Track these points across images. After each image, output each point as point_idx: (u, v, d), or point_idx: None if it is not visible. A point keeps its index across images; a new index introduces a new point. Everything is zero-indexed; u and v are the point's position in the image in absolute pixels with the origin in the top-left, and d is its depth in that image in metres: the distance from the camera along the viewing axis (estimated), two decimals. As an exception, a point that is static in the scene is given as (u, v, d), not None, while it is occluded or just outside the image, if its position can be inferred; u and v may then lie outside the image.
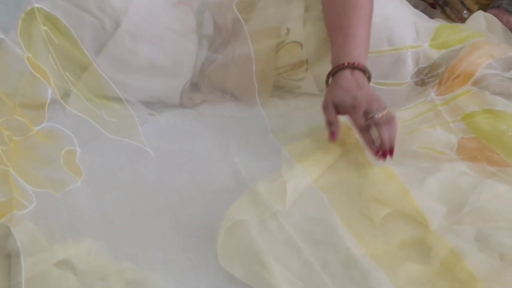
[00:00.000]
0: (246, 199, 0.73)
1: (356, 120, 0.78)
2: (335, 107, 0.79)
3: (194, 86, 0.95)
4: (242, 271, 0.64)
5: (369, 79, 0.82)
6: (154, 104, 0.93)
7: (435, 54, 0.94)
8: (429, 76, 0.93)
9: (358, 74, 0.80)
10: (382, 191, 0.71)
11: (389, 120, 0.76)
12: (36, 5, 0.84)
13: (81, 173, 0.78)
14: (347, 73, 0.80)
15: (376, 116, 0.75)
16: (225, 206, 0.72)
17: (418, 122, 0.85)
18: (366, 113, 0.76)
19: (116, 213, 0.74)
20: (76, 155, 0.80)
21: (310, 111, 0.94)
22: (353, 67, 0.80)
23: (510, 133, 0.79)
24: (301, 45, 0.92)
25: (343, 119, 0.82)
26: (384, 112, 0.76)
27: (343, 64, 0.81)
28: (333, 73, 0.82)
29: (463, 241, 0.64)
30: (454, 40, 0.93)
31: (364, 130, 0.77)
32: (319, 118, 0.92)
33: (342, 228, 0.68)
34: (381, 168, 0.76)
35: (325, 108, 0.81)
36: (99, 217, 0.73)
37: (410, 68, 0.93)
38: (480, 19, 1.03)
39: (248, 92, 0.93)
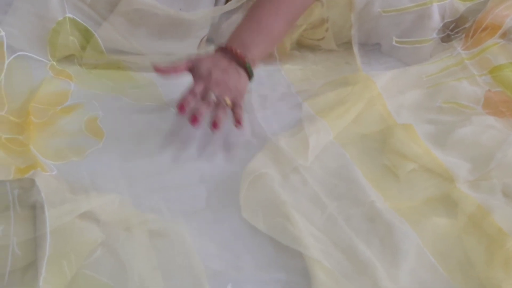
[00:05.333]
0: (267, 152, 0.72)
1: (194, 87, 0.74)
2: (190, 69, 0.76)
3: (211, 40, 0.94)
4: (265, 223, 0.63)
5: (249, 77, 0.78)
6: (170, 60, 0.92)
7: (461, 7, 0.91)
8: (455, 31, 0.90)
9: (237, 67, 0.76)
10: (407, 146, 0.70)
11: (221, 105, 0.73)
12: (68, 15, 0.85)
13: (103, 134, 0.78)
14: (227, 58, 0.76)
15: (212, 96, 0.73)
16: (246, 160, 0.71)
17: (443, 76, 0.83)
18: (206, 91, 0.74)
19: (138, 167, 0.74)
20: (97, 119, 0.80)
21: (330, 64, 0.92)
22: (240, 59, 0.76)
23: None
24: (322, 3, 0.90)
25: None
26: (226, 99, 0.73)
27: (233, 49, 0.76)
28: (221, 48, 0.78)
29: (490, 197, 0.63)
30: (480, -10, 0.90)
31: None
32: (339, 71, 0.91)
33: (365, 183, 0.68)
34: (404, 126, 0.75)
35: (184, 63, 0.76)
36: (121, 173, 0.72)
37: (435, 23, 0.90)
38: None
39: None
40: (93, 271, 0.58)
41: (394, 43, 0.93)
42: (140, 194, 0.69)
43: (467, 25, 0.89)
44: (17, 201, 0.60)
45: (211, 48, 0.92)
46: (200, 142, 0.78)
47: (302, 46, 0.95)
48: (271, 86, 0.89)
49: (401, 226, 0.60)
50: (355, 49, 0.90)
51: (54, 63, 0.86)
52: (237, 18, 0.93)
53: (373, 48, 0.95)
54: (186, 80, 0.89)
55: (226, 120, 0.74)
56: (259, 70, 0.92)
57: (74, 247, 0.58)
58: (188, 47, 0.90)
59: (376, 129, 0.76)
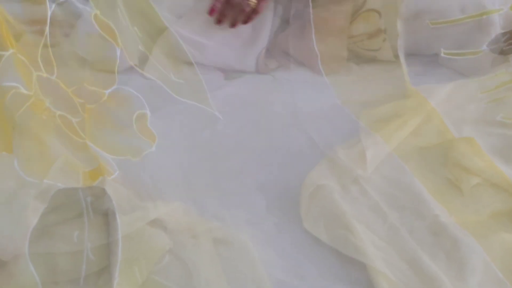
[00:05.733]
0: (326, 164, 0.73)
1: None
2: None
3: (268, 52, 0.95)
4: (328, 235, 0.64)
5: None
6: (229, 70, 0.94)
7: (517, 17, 0.90)
8: (508, 43, 0.89)
9: None
10: (470, 160, 0.69)
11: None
12: None
13: (154, 138, 0.78)
14: None
15: None
16: (301, 170, 0.73)
17: (501, 91, 0.82)
18: None
19: (196, 176, 0.75)
20: (147, 118, 0.80)
21: (386, 76, 0.92)
22: None
23: None
24: (379, 13, 0.90)
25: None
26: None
27: None
28: None
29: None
30: (537, 1, 0.89)
31: None
32: (395, 83, 0.90)
33: (427, 196, 0.68)
34: (465, 140, 0.74)
35: None
36: (180, 180, 0.74)
37: (488, 35, 0.89)
38: None
39: (313, 62, 0.93)
40: (162, 277, 0.60)
41: (443, 55, 0.92)
42: (201, 201, 0.71)
43: (521, 37, 0.88)
44: (90, 208, 0.63)
45: (270, 60, 0.94)
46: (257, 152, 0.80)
47: (357, 56, 0.95)
48: (326, 96, 0.90)
49: (468, 240, 0.60)
50: (402, 60, 0.89)
51: (98, 12, 0.80)
52: (293, 28, 0.94)
53: (430, 58, 0.93)
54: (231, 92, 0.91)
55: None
56: (312, 83, 0.93)
57: (144, 253, 0.61)
58: (247, 59, 0.92)
59: (435, 142, 0.76)
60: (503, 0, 0.91)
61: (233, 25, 0.89)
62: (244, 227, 0.67)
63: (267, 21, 0.91)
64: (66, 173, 0.68)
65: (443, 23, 0.90)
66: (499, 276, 0.57)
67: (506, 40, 0.90)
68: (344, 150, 0.74)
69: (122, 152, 0.74)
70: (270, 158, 0.79)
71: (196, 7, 0.89)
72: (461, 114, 0.80)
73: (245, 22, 0.90)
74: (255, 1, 0.86)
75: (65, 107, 0.74)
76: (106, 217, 0.63)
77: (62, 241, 0.60)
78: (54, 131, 0.70)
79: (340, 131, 0.82)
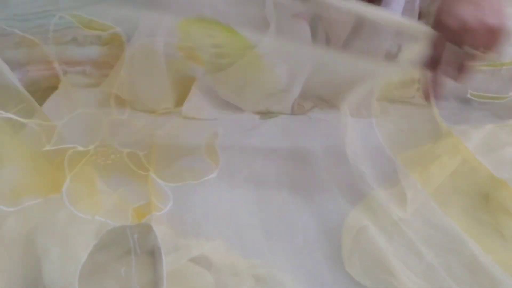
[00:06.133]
0: (366, 205, 0.74)
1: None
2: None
3: (303, 94, 0.97)
4: (370, 279, 0.65)
5: None
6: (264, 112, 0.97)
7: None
8: None
9: None
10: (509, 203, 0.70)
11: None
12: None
13: (219, 162, 0.81)
14: None
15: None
16: (338, 209, 0.75)
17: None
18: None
19: (234, 213, 0.77)
20: (217, 138, 0.83)
21: (421, 117, 0.93)
22: None
23: None
24: None
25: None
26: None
27: None
28: None
29: None
30: None
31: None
32: (429, 125, 0.91)
33: (464, 236, 0.68)
34: (500, 182, 0.74)
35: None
36: (227, 214, 0.77)
37: None
38: None
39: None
40: (205, 317, 0.62)
41: (468, 95, 0.92)
42: (239, 238, 0.72)
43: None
44: (137, 246, 0.65)
45: (306, 102, 0.96)
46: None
47: (391, 102, 0.97)
48: (365, 138, 0.91)
49: (508, 281, 0.60)
50: (433, 106, 0.91)
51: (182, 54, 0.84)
52: (328, 76, 0.96)
53: (464, 101, 0.94)
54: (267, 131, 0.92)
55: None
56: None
57: (188, 292, 0.62)
58: (285, 101, 0.94)
59: (472, 185, 0.77)
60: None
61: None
62: (284, 264, 0.68)
63: (305, 68, 0.93)
64: (116, 210, 0.71)
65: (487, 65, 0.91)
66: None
67: None
68: (384, 191, 0.75)
69: (182, 179, 0.77)
70: (306, 197, 0.80)
71: None
72: (496, 157, 0.80)
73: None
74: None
75: (134, 143, 0.77)
76: (153, 254, 0.65)
77: (111, 278, 0.62)
78: (114, 172, 0.74)
79: (377, 171, 0.83)
